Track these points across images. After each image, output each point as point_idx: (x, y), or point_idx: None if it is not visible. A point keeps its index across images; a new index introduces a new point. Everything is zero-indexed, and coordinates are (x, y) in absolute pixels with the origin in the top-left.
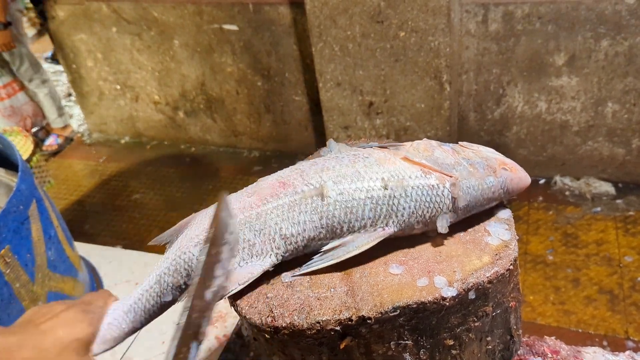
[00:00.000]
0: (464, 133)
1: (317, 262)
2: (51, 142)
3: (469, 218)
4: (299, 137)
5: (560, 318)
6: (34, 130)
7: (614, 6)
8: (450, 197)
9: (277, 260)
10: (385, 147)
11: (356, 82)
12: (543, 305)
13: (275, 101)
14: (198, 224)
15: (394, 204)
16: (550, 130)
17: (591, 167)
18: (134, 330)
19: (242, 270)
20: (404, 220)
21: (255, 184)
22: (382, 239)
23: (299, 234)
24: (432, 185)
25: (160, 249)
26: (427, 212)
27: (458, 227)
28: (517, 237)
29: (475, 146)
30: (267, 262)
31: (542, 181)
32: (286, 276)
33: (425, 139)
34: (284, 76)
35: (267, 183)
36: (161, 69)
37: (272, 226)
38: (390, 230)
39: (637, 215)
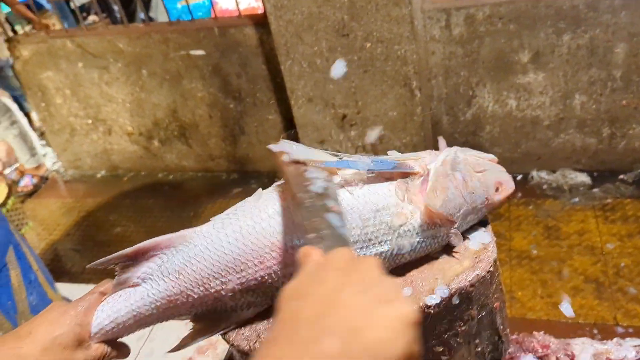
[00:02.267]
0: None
1: None
2: (26, 182)
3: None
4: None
5: (549, 311)
6: (7, 171)
7: (571, 1)
8: (446, 235)
9: (273, 303)
10: (394, 174)
11: (327, 96)
12: (532, 300)
13: (249, 122)
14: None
15: (397, 259)
16: (522, 126)
17: (566, 159)
18: (131, 314)
19: (242, 314)
20: (399, 264)
21: (252, 221)
22: None
23: None
24: (435, 236)
25: None
26: (423, 254)
27: None
28: (495, 238)
29: (482, 164)
30: (263, 308)
31: (519, 177)
32: None
33: (443, 156)
34: (256, 96)
35: (267, 242)
36: (132, 99)
37: (273, 290)
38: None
39: (614, 202)
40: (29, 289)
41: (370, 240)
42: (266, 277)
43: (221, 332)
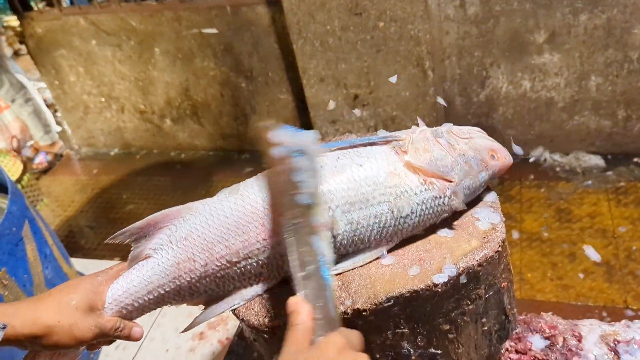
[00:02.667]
0: (451, 118)
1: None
2: (40, 160)
3: None
4: None
5: (559, 293)
6: (22, 149)
7: None
8: (451, 201)
9: (281, 278)
10: (384, 143)
11: (339, 76)
12: (541, 282)
13: (261, 101)
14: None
15: (399, 223)
16: (536, 108)
17: (579, 142)
18: (144, 284)
19: (248, 290)
20: (407, 233)
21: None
22: (384, 253)
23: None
24: (435, 197)
25: None
26: (429, 221)
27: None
28: (504, 219)
29: (466, 132)
30: (271, 283)
31: (532, 159)
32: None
33: (421, 128)
34: (268, 76)
35: (267, 206)
36: (144, 78)
37: (277, 258)
38: (393, 244)
39: (628, 186)
40: (44, 262)
41: (367, 200)
42: (268, 241)
43: (231, 308)
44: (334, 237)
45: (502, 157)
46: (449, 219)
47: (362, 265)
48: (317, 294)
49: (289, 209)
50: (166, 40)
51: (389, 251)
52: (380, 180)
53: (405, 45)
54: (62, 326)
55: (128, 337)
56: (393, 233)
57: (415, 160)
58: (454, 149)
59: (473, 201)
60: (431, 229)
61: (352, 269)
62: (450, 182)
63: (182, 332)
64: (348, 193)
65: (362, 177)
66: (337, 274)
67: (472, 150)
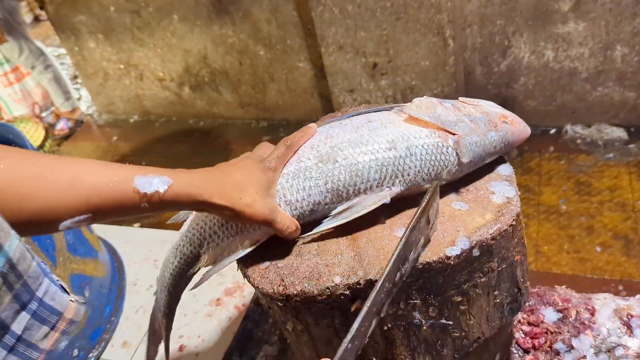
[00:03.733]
0: (470, 88)
1: (325, 224)
2: (62, 126)
3: (471, 177)
4: (306, 104)
5: (575, 266)
6: (44, 115)
7: None
8: (454, 154)
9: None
10: (389, 109)
11: (358, 44)
12: (558, 255)
13: (279, 69)
14: None
15: (399, 164)
16: (559, 78)
17: (602, 114)
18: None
19: (249, 235)
20: (410, 180)
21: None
22: (389, 198)
23: (304, 199)
24: (437, 144)
25: (176, 226)
26: (433, 169)
27: (460, 186)
28: (519, 193)
29: (475, 101)
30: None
31: (552, 131)
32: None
33: (426, 96)
34: (286, 43)
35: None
36: (163, 45)
37: (275, 194)
38: (396, 189)
39: None
40: None
41: (366, 140)
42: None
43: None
44: (332, 171)
45: (516, 123)
46: (462, 189)
47: (366, 212)
48: None
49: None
50: (185, 7)
51: (402, 224)
52: (376, 126)
53: (426, 13)
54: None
55: (289, 235)
56: (393, 175)
57: (416, 113)
58: (458, 110)
59: (487, 173)
60: (445, 197)
61: (358, 216)
62: (454, 134)
63: (192, 288)
64: (346, 136)
65: (360, 124)
66: (345, 232)
67: (479, 112)
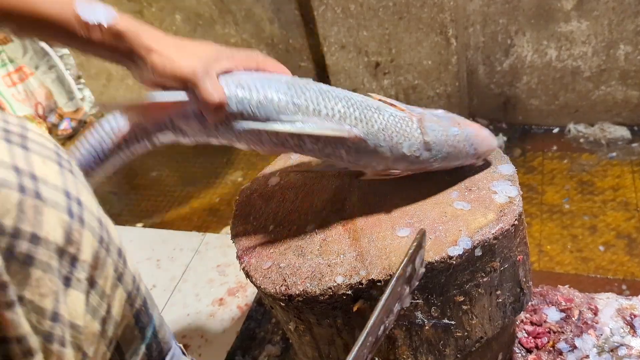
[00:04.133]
0: (473, 87)
1: (271, 125)
2: (65, 126)
3: (473, 176)
4: None
5: (578, 265)
6: (48, 115)
7: None
8: (418, 130)
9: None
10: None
11: (361, 44)
12: (561, 254)
13: None
14: None
15: (366, 112)
16: (562, 77)
17: (605, 112)
18: None
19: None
20: (372, 132)
21: None
22: (347, 134)
23: (259, 90)
24: (403, 116)
25: (179, 225)
26: (396, 135)
27: (462, 185)
28: (521, 193)
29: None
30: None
31: (555, 130)
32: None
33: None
34: (288, 43)
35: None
36: None
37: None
38: (357, 132)
39: None
40: None
41: (326, 114)
42: None
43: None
44: (299, 80)
45: (481, 130)
46: (464, 189)
47: (319, 133)
48: None
49: None
50: (187, 6)
51: (405, 224)
52: (345, 94)
53: (429, 12)
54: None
55: (209, 109)
56: (359, 118)
57: (386, 99)
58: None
59: (489, 174)
60: (447, 196)
61: (310, 131)
62: (411, 113)
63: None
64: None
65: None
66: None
67: (443, 112)
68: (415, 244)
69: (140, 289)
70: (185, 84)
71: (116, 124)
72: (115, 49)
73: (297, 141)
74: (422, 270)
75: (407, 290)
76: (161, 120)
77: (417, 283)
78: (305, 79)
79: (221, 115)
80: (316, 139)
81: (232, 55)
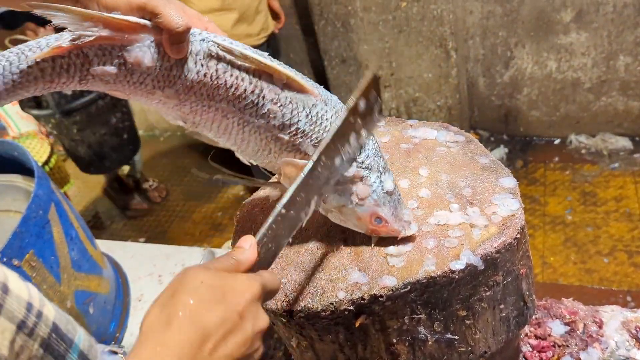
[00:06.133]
0: (474, 99)
1: (242, 49)
2: None
3: (474, 191)
4: None
5: (582, 277)
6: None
7: None
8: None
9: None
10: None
11: (361, 57)
12: (564, 266)
13: None
14: None
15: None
16: (562, 89)
17: (606, 123)
18: None
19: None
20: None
21: None
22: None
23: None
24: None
25: (181, 240)
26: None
27: (463, 200)
28: (523, 206)
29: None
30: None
31: (557, 141)
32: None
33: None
34: (289, 57)
35: None
36: None
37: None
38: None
39: None
40: (70, 244)
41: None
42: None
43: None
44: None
45: (384, 225)
46: (465, 202)
47: (292, 79)
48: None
49: None
50: None
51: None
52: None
53: (428, 26)
54: None
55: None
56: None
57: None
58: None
59: (491, 187)
60: (448, 210)
61: (285, 71)
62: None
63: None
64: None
65: None
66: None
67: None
68: (367, 80)
69: (43, 314)
70: (144, 10)
71: (49, 41)
72: None
73: (256, 97)
74: (378, 109)
75: (363, 126)
76: (109, 45)
77: (374, 125)
78: None
79: (185, 48)
80: (277, 97)
81: None
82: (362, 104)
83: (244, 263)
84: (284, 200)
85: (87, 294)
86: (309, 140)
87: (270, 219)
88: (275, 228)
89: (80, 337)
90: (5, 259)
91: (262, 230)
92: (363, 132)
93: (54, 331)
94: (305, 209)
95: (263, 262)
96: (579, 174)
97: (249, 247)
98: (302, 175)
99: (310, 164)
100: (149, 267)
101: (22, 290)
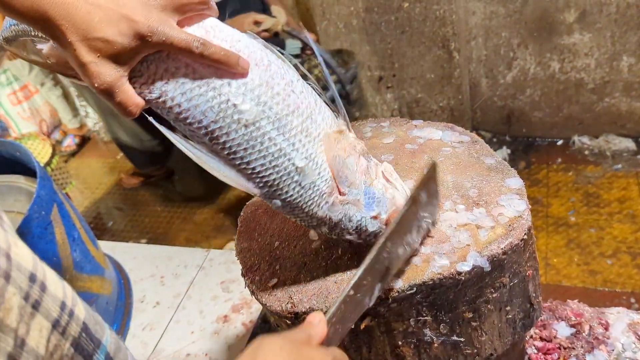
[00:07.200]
0: (476, 101)
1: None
2: (69, 143)
3: (480, 192)
4: None
5: (585, 279)
6: (52, 132)
7: None
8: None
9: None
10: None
11: (363, 58)
12: (568, 267)
13: None
14: None
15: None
16: (565, 89)
17: (610, 124)
18: None
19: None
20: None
21: None
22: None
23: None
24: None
25: (183, 241)
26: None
27: (470, 202)
28: (530, 207)
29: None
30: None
31: (559, 142)
32: None
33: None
34: None
35: None
36: None
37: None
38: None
39: None
40: (72, 245)
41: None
42: None
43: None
44: None
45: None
46: (472, 203)
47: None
48: (348, 316)
49: None
50: None
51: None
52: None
53: (430, 26)
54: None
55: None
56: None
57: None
58: (369, 177)
59: (497, 188)
60: (454, 211)
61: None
62: (340, 193)
63: None
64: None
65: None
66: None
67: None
68: (426, 173)
69: (74, 314)
70: (103, 91)
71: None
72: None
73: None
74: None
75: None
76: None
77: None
78: None
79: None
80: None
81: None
82: (423, 195)
83: (315, 337)
84: (353, 281)
85: (90, 295)
86: None
87: (339, 299)
88: (343, 309)
89: (108, 338)
90: None
91: (332, 309)
92: (423, 223)
93: (84, 330)
94: (369, 294)
95: (331, 342)
96: (582, 175)
97: (317, 322)
98: (368, 260)
99: (375, 250)
100: (151, 269)
101: (57, 288)
